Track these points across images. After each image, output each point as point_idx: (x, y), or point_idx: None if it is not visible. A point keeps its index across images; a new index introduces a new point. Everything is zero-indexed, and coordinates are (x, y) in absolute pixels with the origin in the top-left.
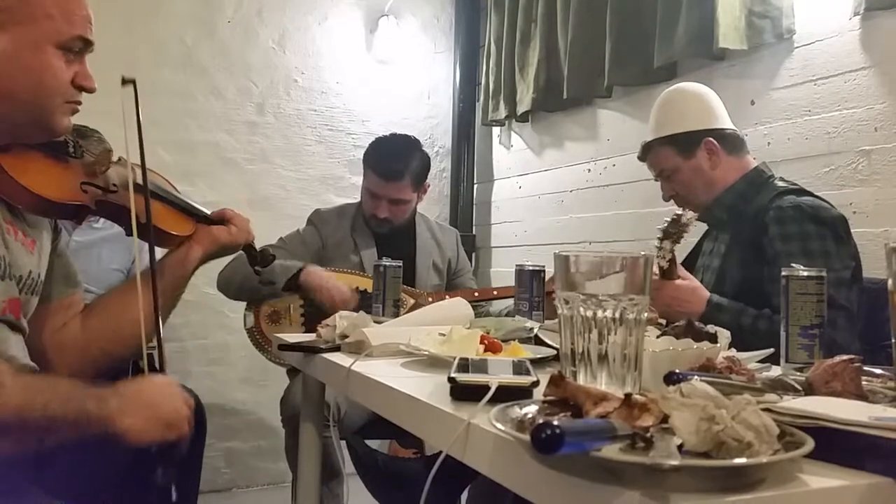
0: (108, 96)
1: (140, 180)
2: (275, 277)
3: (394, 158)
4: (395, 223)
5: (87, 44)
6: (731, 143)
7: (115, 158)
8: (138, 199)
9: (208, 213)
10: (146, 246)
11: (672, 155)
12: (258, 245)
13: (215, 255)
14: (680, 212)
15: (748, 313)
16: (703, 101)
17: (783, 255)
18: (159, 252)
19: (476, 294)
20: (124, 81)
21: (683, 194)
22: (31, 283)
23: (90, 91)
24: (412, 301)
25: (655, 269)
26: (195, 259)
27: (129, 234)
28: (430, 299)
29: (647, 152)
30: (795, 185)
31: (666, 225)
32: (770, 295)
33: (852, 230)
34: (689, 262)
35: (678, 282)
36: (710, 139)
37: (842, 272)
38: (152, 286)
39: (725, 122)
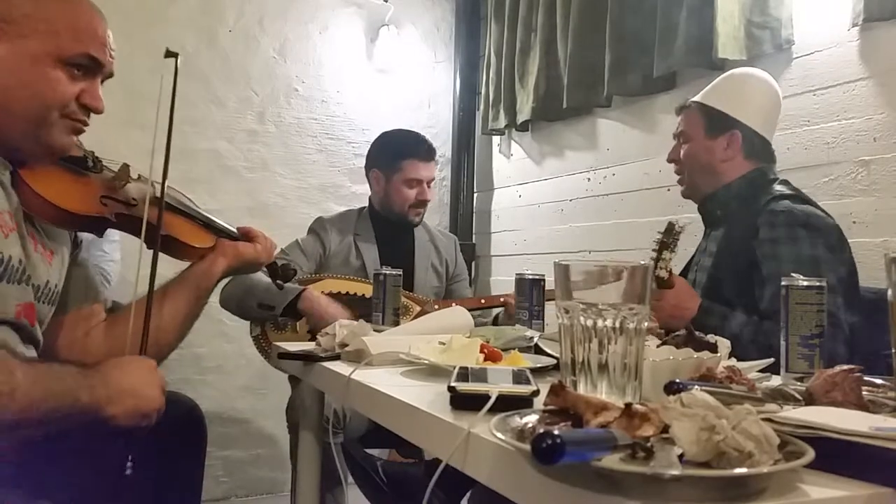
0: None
1: (159, 194)
2: (273, 302)
3: (424, 140)
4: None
5: (97, 64)
6: (753, 148)
7: (134, 175)
8: (153, 209)
9: (233, 229)
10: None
11: (698, 124)
12: None
13: (239, 270)
14: (672, 219)
15: (736, 319)
16: (761, 99)
17: (772, 259)
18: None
19: (482, 301)
20: (168, 54)
21: (685, 163)
22: (48, 293)
23: (96, 111)
24: (418, 308)
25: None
26: (218, 272)
27: (150, 247)
28: (437, 307)
29: (685, 108)
30: (796, 190)
31: (661, 236)
32: (759, 299)
33: (852, 240)
34: (689, 262)
35: (677, 287)
36: (738, 133)
37: (831, 279)
38: (148, 295)
39: (764, 129)
